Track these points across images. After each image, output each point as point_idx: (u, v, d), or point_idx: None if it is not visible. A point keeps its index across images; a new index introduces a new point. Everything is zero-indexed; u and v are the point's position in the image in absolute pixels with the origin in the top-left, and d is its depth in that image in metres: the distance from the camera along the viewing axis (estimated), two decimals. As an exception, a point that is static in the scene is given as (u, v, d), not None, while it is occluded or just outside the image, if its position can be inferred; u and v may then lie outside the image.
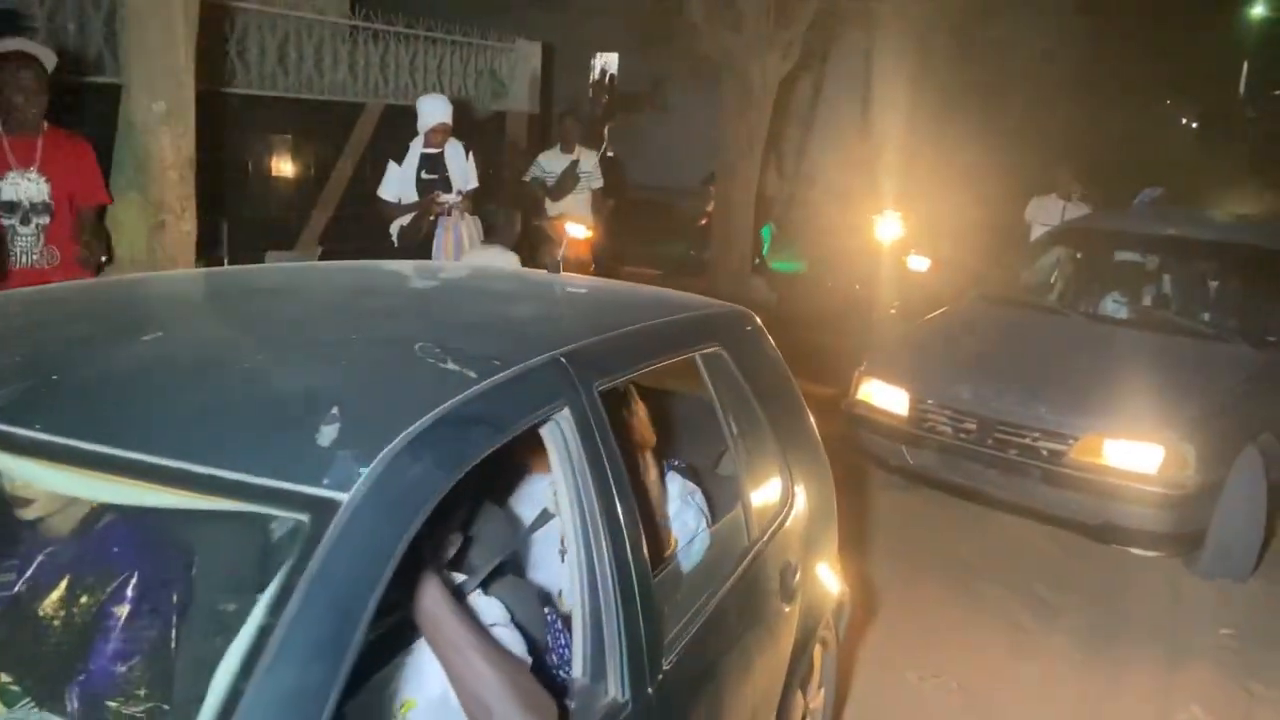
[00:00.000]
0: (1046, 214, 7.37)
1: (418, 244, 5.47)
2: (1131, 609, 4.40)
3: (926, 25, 12.94)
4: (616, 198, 9.43)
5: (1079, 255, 6.26)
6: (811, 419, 2.92)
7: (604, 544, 1.68)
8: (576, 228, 6.72)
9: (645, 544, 1.79)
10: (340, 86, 8.64)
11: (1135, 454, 4.33)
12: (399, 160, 5.62)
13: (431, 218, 5.47)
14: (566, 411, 1.70)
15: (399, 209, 5.63)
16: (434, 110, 5.67)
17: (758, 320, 2.82)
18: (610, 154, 20.36)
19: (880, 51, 16.12)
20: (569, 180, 7.17)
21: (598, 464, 1.72)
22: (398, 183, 5.63)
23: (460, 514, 1.69)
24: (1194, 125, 33.02)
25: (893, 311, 7.36)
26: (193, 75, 3.83)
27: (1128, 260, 6.06)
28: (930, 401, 4.85)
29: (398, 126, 9.11)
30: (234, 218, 7.56)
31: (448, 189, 5.58)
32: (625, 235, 12.26)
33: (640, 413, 2.24)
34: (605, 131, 21.28)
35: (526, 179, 7.51)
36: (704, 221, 10.06)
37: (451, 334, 1.84)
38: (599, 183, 7.48)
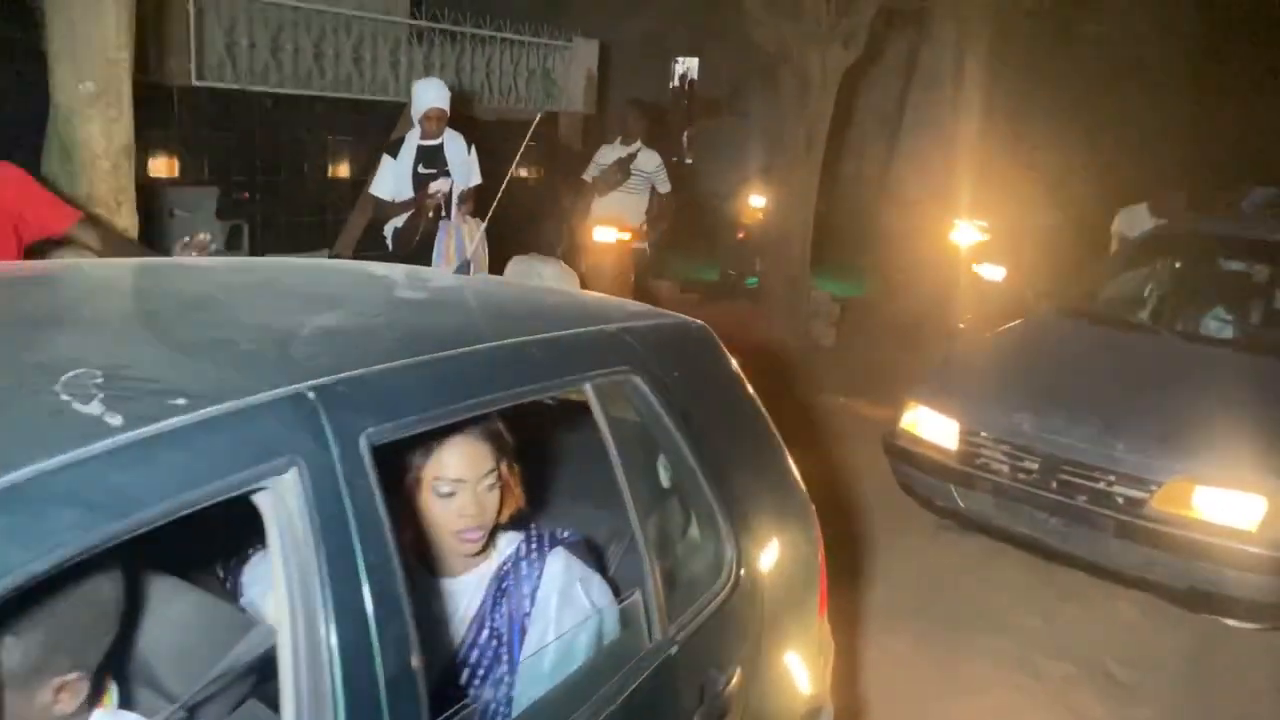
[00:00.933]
0: (1136, 228, 6.53)
1: (415, 248, 4.93)
2: (1223, 694, 3.60)
3: (1020, 14, 12.01)
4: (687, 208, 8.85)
5: (1175, 264, 5.43)
6: (787, 459, 2.29)
7: (335, 679, 1.10)
8: (606, 231, 6.11)
9: (426, 671, 1.21)
10: (381, 85, 8.27)
11: (1232, 506, 3.55)
12: (394, 154, 5.09)
13: (430, 216, 4.95)
14: (294, 474, 1.13)
15: (394, 208, 5.07)
16: (428, 95, 5.05)
17: (709, 334, 2.21)
18: (689, 161, 19.85)
19: (971, 48, 15.26)
20: (616, 173, 6.44)
21: (343, 554, 1.15)
22: (393, 179, 5.04)
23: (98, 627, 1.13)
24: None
25: (961, 326, 6.59)
26: (130, 51, 3.39)
27: (1233, 271, 5.20)
28: (984, 434, 4.12)
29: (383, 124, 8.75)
30: (264, 220, 7.25)
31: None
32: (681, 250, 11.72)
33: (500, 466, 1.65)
34: (685, 138, 20.75)
35: (586, 178, 6.75)
36: (741, 235, 9.34)
37: (151, 357, 1.29)
38: (665, 186, 6.71)
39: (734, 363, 2.32)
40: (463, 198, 5.11)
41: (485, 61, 9.01)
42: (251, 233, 6.79)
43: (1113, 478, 3.75)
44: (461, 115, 5.89)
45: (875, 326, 9.05)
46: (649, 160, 6.52)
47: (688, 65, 19.59)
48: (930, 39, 15.19)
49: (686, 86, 19.61)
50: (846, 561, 4.43)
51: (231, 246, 6.88)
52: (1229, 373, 4.21)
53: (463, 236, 4.94)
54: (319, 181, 7.90)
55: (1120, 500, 3.73)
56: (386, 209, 5.11)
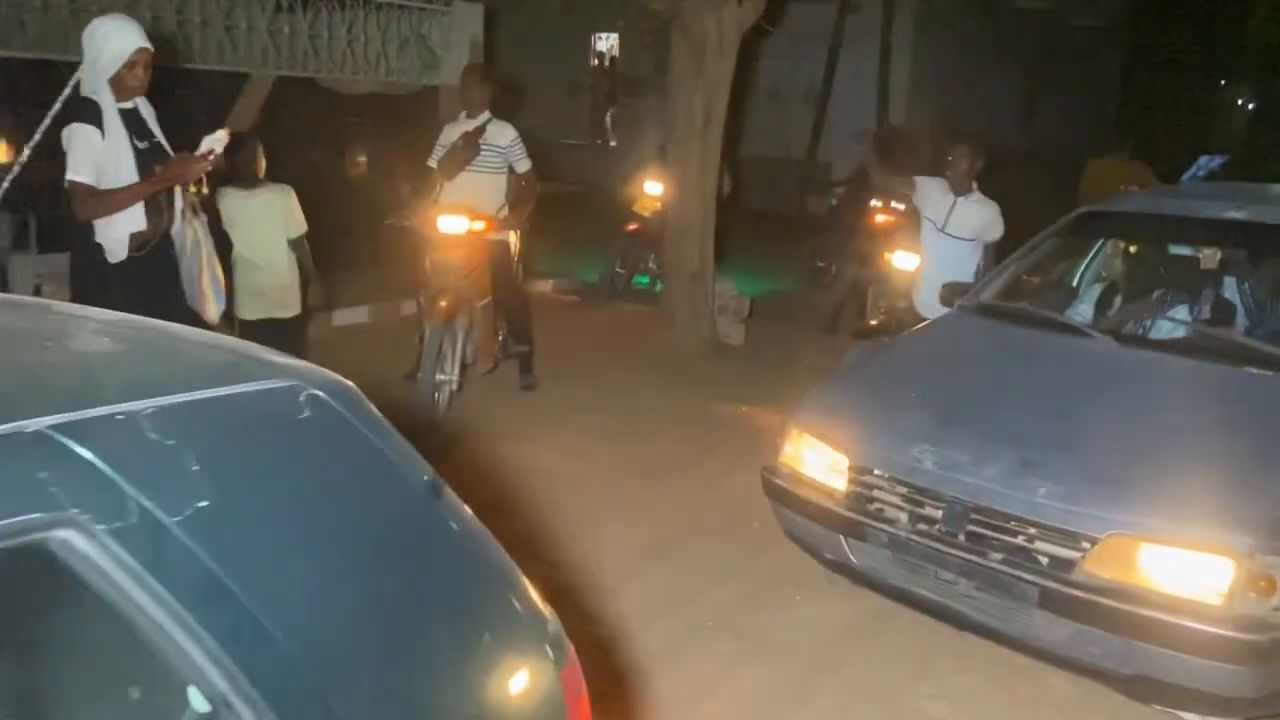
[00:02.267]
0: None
1: (154, 255, 3.63)
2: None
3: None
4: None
5: (1110, 249, 4.62)
6: (510, 587, 1.37)
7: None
8: (453, 220, 5.12)
9: None
10: (215, 52, 7.18)
11: (1188, 570, 2.70)
12: (94, 121, 3.51)
13: (193, 208, 3.82)
14: None
15: (115, 199, 3.55)
16: (128, 36, 3.55)
17: (354, 402, 1.29)
18: (613, 144, 18.82)
19: (898, 18, 14.48)
20: (463, 151, 5.39)
21: None
22: (99, 159, 3.51)
23: None
24: (1250, 107, 30.67)
25: (874, 324, 5.75)
26: None
27: (1179, 256, 4.38)
28: (877, 472, 3.24)
29: (292, 103, 7.71)
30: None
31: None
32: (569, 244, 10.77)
33: None
34: (608, 119, 19.72)
35: (431, 164, 5.58)
36: (634, 227, 8.34)
37: None
38: (524, 164, 5.57)
39: (399, 446, 1.37)
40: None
41: (346, 27, 7.94)
42: (40, 230, 5.69)
43: (1033, 531, 2.89)
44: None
45: (791, 323, 8.20)
46: (501, 133, 5.52)
47: (610, 41, 18.60)
48: (855, 8, 14.37)
49: (607, 64, 18.62)
50: (724, 618, 3.57)
51: (19, 247, 5.80)
52: (1183, 387, 3.38)
53: (187, 240, 3.74)
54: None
55: (1044, 561, 2.87)
56: (98, 204, 3.54)
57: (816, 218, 12.27)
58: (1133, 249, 4.40)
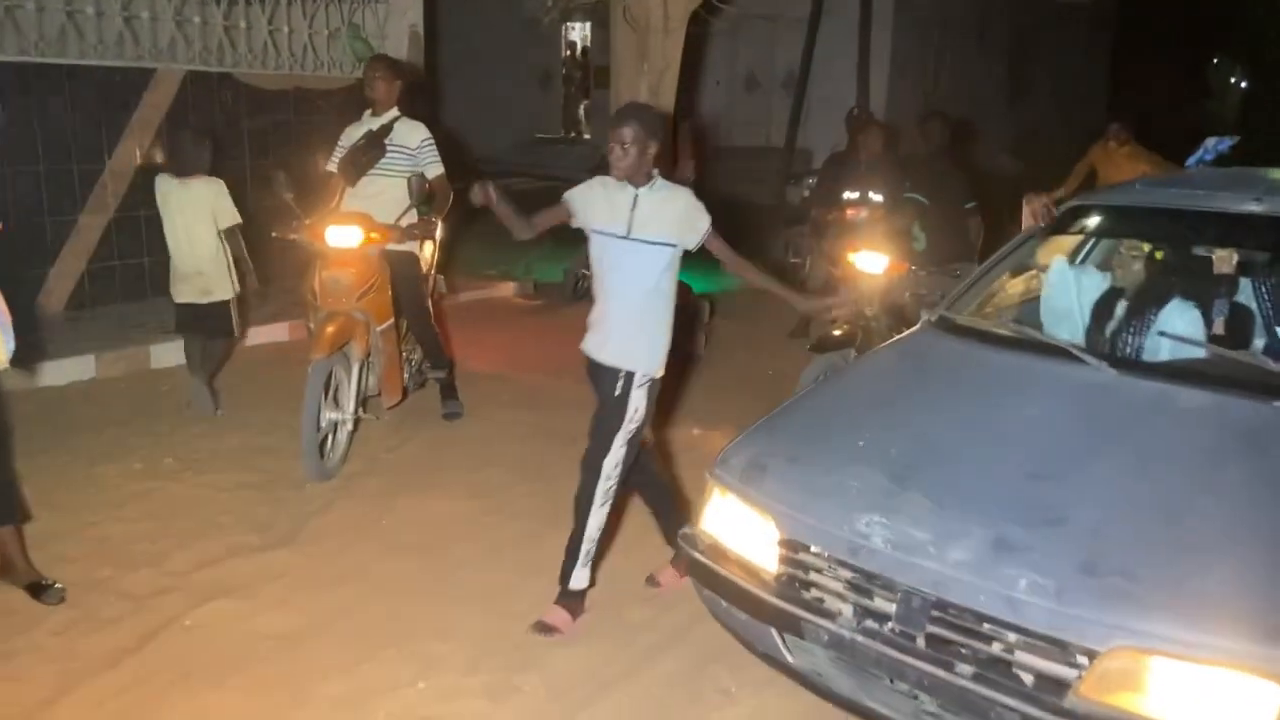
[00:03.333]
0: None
1: None
2: None
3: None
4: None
5: (1104, 250, 3.88)
6: None
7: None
8: (343, 232, 4.37)
9: None
10: (114, 46, 6.42)
11: (1219, 697, 1.98)
12: None
13: None
14: None
15: None
16: None
17: None
18: (587, 136, 18.02)
19: (879, 2, 13.67)
20: (364, 154, 4.68)
21: None
22: None
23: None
24: (1242, 85, 29.79)
25: (837, 334, 4.99)
26: None
27: (1188, 258, 3.64)
28: (814, 549, 2.51)
29: (205, 101, 6.96)
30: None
31: None
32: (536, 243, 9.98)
33: None
34: (581, 111, 18.86)
35: (330, 168, 4.89)
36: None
37: None
38: (436, 168, 4.81)
39: None
40: None
41: (267, 17, 7.18)
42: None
43: (1013, 638, 2.16)
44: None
45: (758, 326, 7.46)
46: (410, 134, 4.77)
47: (583, 31, 17.80)
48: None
49: (580, 55, 17.81)
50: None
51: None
52: (1202, 431, 2.63)
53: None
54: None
55: (1027, 679, 2.14)
56: None
57: (794, 208, 11.52)
58: (1132, 250, 3.64)
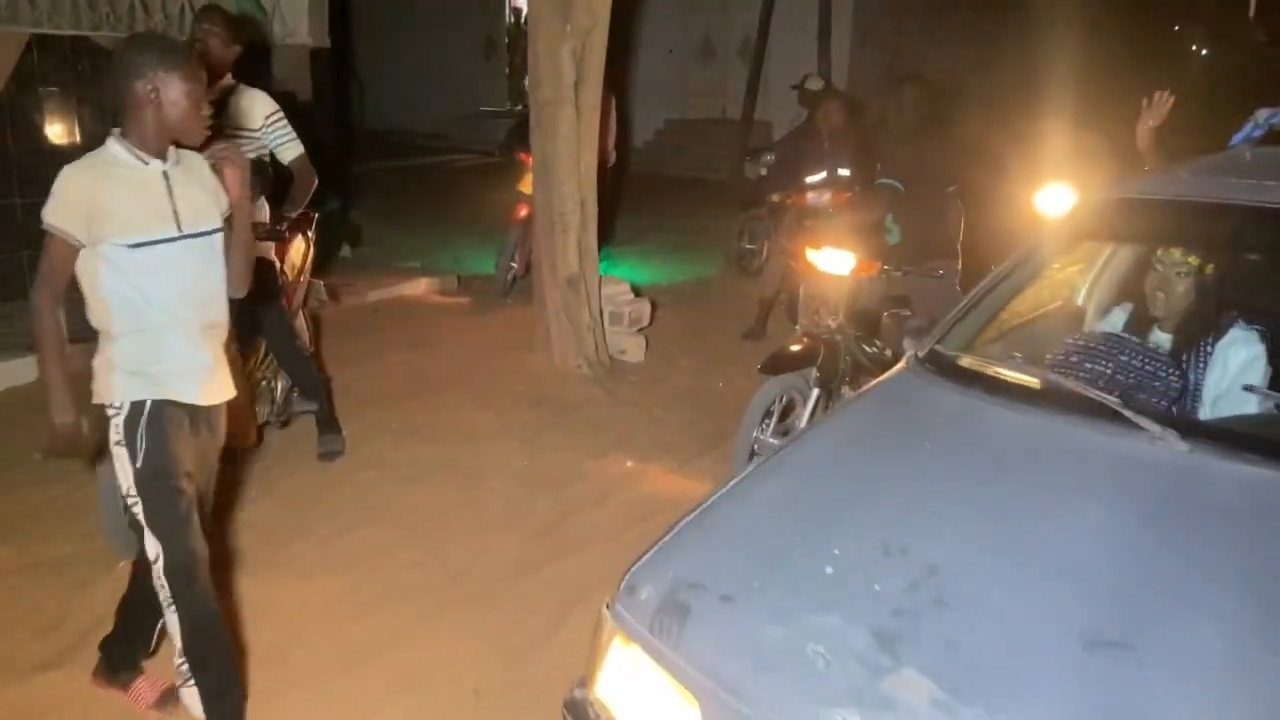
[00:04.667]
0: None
1: None
2: None
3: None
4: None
5: (1140, 261, 2.98)
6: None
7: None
8: None
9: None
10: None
11: None
12: None
13: None
14: None
15: None
16: None
17: None
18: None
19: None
20: None
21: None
22: None
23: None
24: (1203, 53, 29.16)
25: (795, 349, 4.05)
26: None
27: (1242, 273, 2.76)
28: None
29: (58, 66, 5.87)
30: None
31: None
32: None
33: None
34: (526, 83, 17.75)
35: None
36: (525, 213, 6.51)
37: None
38: (294, 149, 3.82)
39: None
40: None
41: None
42: None
43: None
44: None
45: (709, 326, 6.52)
46: (254, 107, 3.76)
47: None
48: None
49: (524, 23, 16.63)
50: None
51: None
52: (1253, 529, 1.75)
53: None
54: None
55: None
56: None
57: (751, 187, 10.57)
58: (1176, 266, 2.73)
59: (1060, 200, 5.57)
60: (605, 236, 7.82)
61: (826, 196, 5.78)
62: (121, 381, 2.38)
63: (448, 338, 5.83)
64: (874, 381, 2.61)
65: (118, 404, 2.39)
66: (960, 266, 4.57)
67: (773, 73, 12.85)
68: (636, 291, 6.09)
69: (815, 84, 6.69)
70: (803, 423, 4.10)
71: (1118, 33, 19.78)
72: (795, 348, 4.08)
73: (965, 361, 2.51)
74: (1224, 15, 24.93)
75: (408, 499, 3.91)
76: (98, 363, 2.41)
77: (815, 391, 4.09)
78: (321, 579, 3.30)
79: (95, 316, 2.38)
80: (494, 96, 16.43)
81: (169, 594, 2.38)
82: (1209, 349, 2.65)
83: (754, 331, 6.31)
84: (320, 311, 4.51)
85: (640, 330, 5.84)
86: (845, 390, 4.21)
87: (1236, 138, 3.22)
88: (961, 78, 12.08)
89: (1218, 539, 1.77)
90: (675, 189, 12.37)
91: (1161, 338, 2.78)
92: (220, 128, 3.61)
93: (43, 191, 2.32)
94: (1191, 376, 2.65)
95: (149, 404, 2.38)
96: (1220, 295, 2.70)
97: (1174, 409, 2.44)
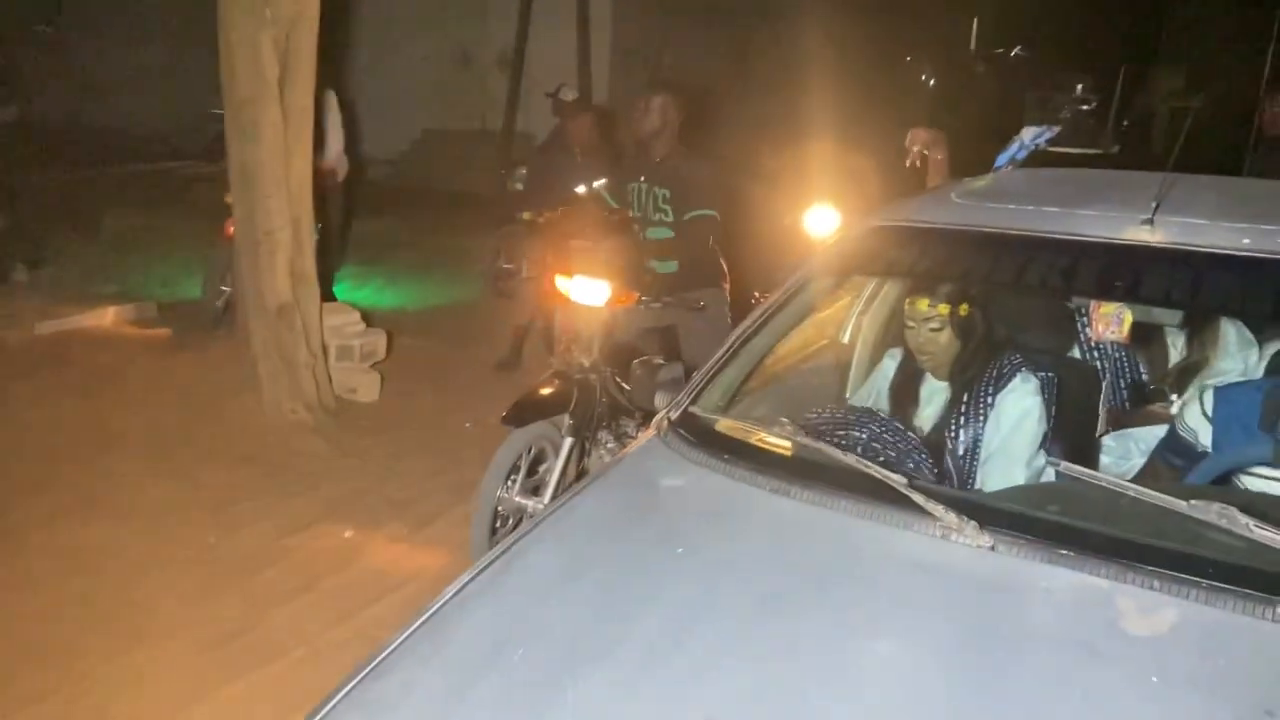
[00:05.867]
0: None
1: None
2: None
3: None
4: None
5: (898, 297, 2.62)
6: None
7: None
8: None
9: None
10: None
11: None
12: None
13: None
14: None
15: None
16: None
17: None
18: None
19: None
20: None
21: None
22: None
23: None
24: (931, 82, 31.54)
25: (545, 391, 3.50)
26: None
27: (1020, 311, 2.45)
28: None
29: None
30: None
31: None
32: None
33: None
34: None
35: None
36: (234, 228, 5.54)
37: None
38: None
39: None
40: None
41: None
42: None
43: None
44: None
45: (457, 356, 5.86)
46: None
47: None
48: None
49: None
50: None
51: None
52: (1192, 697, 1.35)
53: None
54: None
55: None
56: None
57: (508, 202, 9.97)
58: (927, 315, 2.36)
59: (827, 221, 5.38)
60: (339, 258, 7.00)
61: (580, 215, 5.26)
62: None
63: (135, 380, 4.82)
64: (621, 454, 2.07)
65: None
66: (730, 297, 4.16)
67: (533, 84, 12.34)
68: (370, 320, 5.33)
69: (569, 94, 6.19)
70: (554, 478, 3.54)
71: (861, 60, 20.86)
72: (544, 391, 3.51)
73: (722, 426, 2.02)
74: (949, 47, 26.98)
75: (43, 603, 3.00)
76: None
77: (568, 440, 3.54)
78: None
79: None
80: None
81: None
82: (989, 399, 2.32)
83: (507, 361, 5.70)
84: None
85: (374, 365, 5.09)
86: (603, 435, 3.70)
87: (1001, 158, 2.95)
88: (721, 94, 12.07)
89: (1042, 690, 1.33)
90: (432, 203, 11.58)
91: (937, 386, 2.43)
92: None
93: None
94: (969, 432, 2.31)
95: None
96: (993, 338, 2.37)
97: (962, 482, 2.06)
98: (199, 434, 4.27)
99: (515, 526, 3.60)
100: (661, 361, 2.36)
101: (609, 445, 3.70)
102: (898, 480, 1.70)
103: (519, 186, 6.90)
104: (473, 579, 1.61)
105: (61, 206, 8.03)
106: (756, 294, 4.89)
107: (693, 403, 2.11)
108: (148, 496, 3.68)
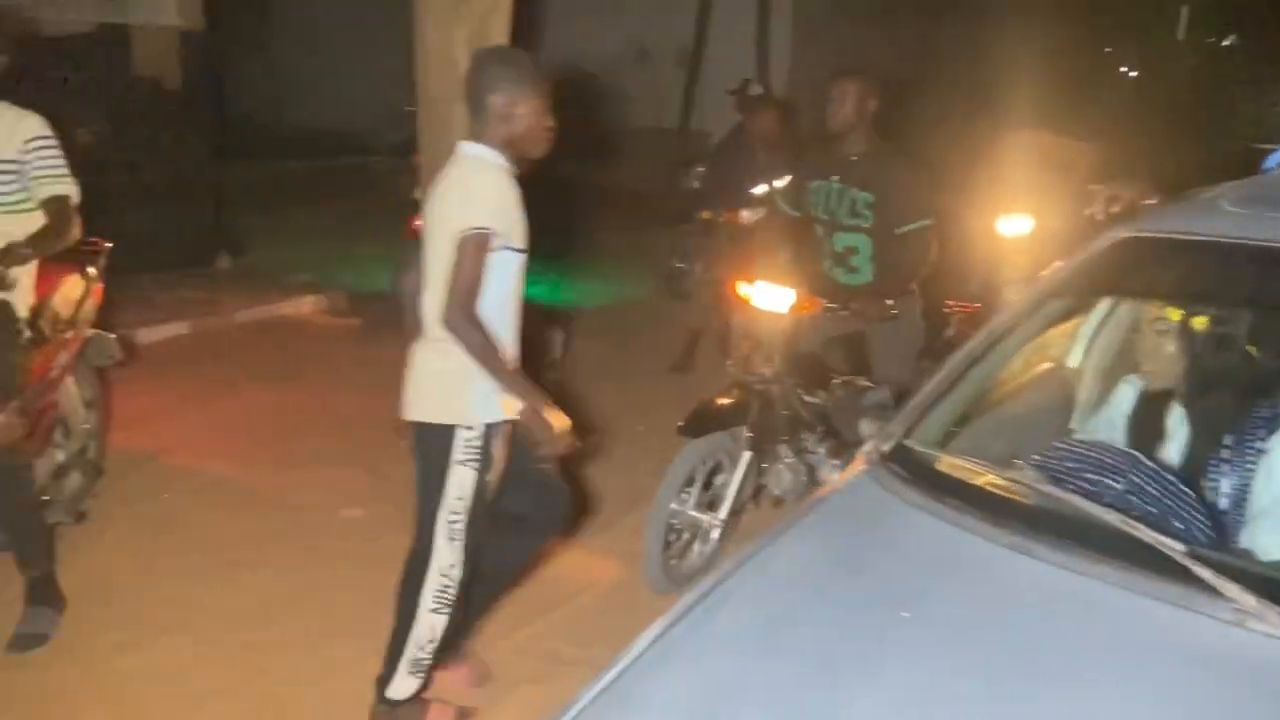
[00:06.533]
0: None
1: None
2: None
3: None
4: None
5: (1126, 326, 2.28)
6: None
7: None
8: None
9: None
10: None
11: None
12: None
13: None
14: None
15: None
16: None
17: None
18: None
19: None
20: None
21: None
22: None
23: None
24: (1133, 75, 29.29)
25: (723, 401, 3.28)
26: None
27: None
28: None
29: None
30: None
31: None
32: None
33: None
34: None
35: None
36: (419, 223, 5.60)
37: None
38: (54, 187, 2.74)
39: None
40: None
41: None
42: None
43: None
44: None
45: (629, 356, 5.75)
46: (16, 129, 2.77)
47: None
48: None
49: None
50: None
51: None
52: None
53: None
54: None
55: None
56: None
57: (684, 200, 9.82)
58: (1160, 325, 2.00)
59: (1021, 225, 4.93)
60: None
61: (761, 214, 5.03)
62: None
63: (324, 370, 4.95)
64: (827, 489, 1.85)
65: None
66: (924, 306, 3.82)
67: (710, 80, 12.18)
68: (551, 316, 5.29)
69: (755, 89, 5.98)
70: (730, 492, 3.35)
71: (1056, 54, 19.58)
72: (723, 401, 3.32)
73: (945, 464, 1.77)
74: (1153, 37, 24.99)
75: (227, 595, 3.05)
76: None
77: (746, 454, 3.34)
78: (89, 712, 2.44)
79: None
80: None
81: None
82: (1260, 443, 1.95)
83: (680, 364, 5.56)
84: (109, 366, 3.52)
85: (549, 364, 5.04)
86: (782, 449, 3.47)
87: (1271, 160, 2.54)
88: (906, 92, 11.55)
89: None
90: (605, 200, 11.59)
91: (1181, 420, 2.08)
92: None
93: None
94: (1232, 479, 1.96)
95: None
96: (1262, 369, 2.01)
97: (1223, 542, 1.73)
98: (377, 425, 4.32)
99: (689, 541, 3.43)
100: (867, 383, 2.13)
101: (788, 460, 3.47)
102: (1174, 548, 1.41)
103: (695, 185, 6.73)
104: (664, 633, 1.44)
105: (260, 198, 8.47)
106: (949, 302, 4.52)
107: (908, 434, 1.86)
108: (328, 489, 3.73)
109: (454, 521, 2.38)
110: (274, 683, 2.67)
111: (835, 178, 3.68)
